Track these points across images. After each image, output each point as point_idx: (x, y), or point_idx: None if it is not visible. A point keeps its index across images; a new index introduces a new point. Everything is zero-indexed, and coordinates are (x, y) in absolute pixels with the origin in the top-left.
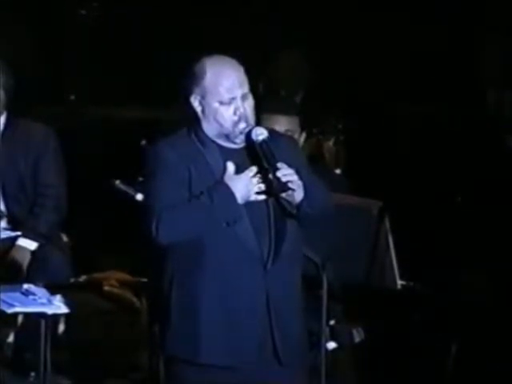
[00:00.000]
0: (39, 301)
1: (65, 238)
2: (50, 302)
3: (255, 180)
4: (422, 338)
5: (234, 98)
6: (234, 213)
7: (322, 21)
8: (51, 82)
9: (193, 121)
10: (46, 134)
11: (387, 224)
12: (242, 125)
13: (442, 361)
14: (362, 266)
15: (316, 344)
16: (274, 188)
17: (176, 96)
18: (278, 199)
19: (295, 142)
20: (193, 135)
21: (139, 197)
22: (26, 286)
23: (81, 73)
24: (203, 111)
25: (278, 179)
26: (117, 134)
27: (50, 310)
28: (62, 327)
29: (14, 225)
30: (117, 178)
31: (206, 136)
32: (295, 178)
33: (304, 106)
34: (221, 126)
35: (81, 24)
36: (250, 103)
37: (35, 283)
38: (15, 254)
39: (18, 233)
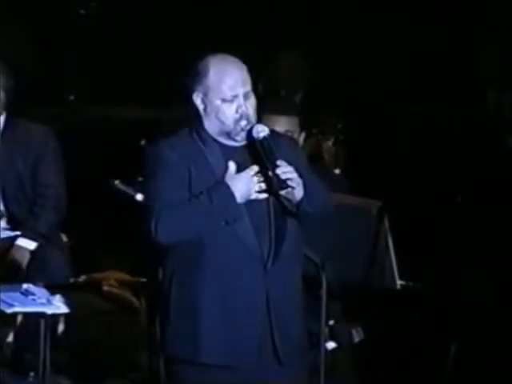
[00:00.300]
0: (38, 301)
1: (64, 238)
2: (49, 301)
3: (256, 179)
4: (422, 338)
5: (236, 96)
6: (234, 212)
7: (322, 21)
8: (51, 82)
9: (195, 119)
10: (46, 135)
11: (387, 224)
12: (243, 122)
13: (441, 361)
14: (362, 266)
15: (315, 344)
16: (273, 185)
17: (176, 96)
18: (277, 197)
19: (296, 142)
20: (194, 134)
21: (139, 197)
22: (25, 285)
23: (81, 73)
24: (205, 109)
25: (278, 176)
26: (117, 134)
27: (49, 310)
28: (61, 327)
29: (13, 225)
30: (117, 178)
31: (208, 134)
32: (295, 175)
33: (304, 106)
34: (222, 123)
35: (81, 24)
36: (252, 102)
37: (35, 283)
38: (15, 253)
39: (18, 232)
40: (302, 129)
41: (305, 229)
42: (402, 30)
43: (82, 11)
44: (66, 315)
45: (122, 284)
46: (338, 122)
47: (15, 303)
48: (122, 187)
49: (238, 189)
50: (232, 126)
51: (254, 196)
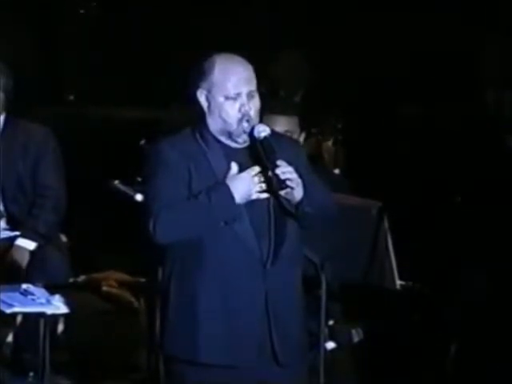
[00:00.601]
0: (38, 301)
1: (64, 238)
2: (48, 302)
3: (257, 179)
4: (422, 338)
5: (239, 94)
6: (232, 212)
7: (322, 21)
8: (51, 82)
9: (198, 118)
10: (46, 135)
11: (386, 224)
12: (245, 124)
13: (441, 361)
14: (361, 266)
15: (315, 344)
16: (272, 185)
17: (176, 96)
18: (276, 197)
19: (298, 143)
20: (197, 134)
21: (138, 197)
22: (24, 285)
23: (81, 73)
24: (209, 107)
25: (277, 176)
26: (117, 134)
27: (48, 310)
28: (61, 327)
29: (13, 225)
30: (117, 178)
31: (210, 134)
32: (294, 175)
33: (304, 106)
34: (225, 122)
35: (81, 24)
36: (255, 103)
37: (34, 283)
38: (14, 253)
39: (17, 233)
40: (301, 129)
41: (307, 230)
42: (402, 30)
43: (82, 11)
44: (65, 315)
45: (122, 284)
46: (337, 122)
47: (15, 303)
48: (121, 187)
49: (238, 189)
50: (235, 126)
51: (254, 196)
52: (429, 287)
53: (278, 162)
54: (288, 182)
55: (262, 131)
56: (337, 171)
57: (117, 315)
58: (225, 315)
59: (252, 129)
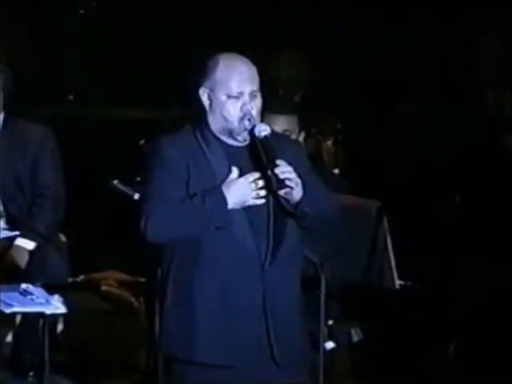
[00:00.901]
0: (37, 301)
1: (63, 238)
2: (48, 301)
3: (254, 185)
4: (421, 338)
5: (241, 93)
6: (223, 218)
7: (322, 21)
8: (51, 82)
9: (199, 117)
10: (45, 135)
11: (386, 224)
12: (246, 122)
13: (440, 360)
14: (361, 266)
15: (314, 344)
16: (271, 185)
17: (176, 96)
18: (276, 197)
19: (299, 144)
20: (197, 133)
21: (138, 197)
22: (24, 285)
23: (81, 73)
24: (210, 105)
25: (276, 176)
26: (117, 134)
27: (48, 310)
28: (60, 327)
29: (12, 225)
30: (116, 178)
31: (211, 133)
32: (293, 175)
33: (303, 106)
34: (226, 120)
35: (81, 24)
36: (257, 103)
37: (33, 283)
38: (13, 253)
39: (17, 232)
40: (301, 129)
41: (309, 232)
42: (402, 30)
43: (82, 11)
44: (65, 315)
45: (121, 284)
46: (337, 122)
47: (14, 303)
48: (121, 187)
49: (233, 195)
50: (236, 125)
51: (250, 202)
52: (428, 287)
53: (278, 162)
54: (287, 182)
55: (263, 130)
56: (336, 171)
57: (116, 315)
58: (223, 315)
59: (253, 127)
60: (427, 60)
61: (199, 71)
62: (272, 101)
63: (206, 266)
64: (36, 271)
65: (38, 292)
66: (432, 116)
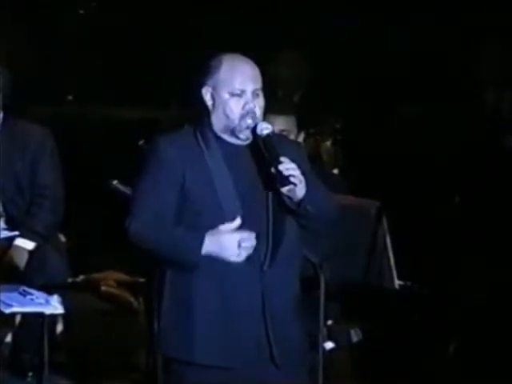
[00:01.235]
0: (37, 301)
1: (62, 238)
2: (47, 302)
3: (237, 248)
4: (421, 338)
5: (244, 91)
6: (190, 261)
7: (322, 21)
8: (51, 82)
9: (200, 117)
10: (44, 135)
11: (385, 224)
12: (249, 120)
13: (440, 360)
14: (360, 266)
15: (314, 344)
16: (276, 182)
17: (176, 96)
18: (279, 194)
19: (300, 145)
20: (198, 133)
21: None
22: (20, 288)
23: (81, 73)
24: (213, 104)
25: (280, 173)
26: (117, 134)
27: (47, 310)
28: (60, 327)
29: (11, 225)
30: (116, 178)
31: (212, 132)
32: (297, 172)
33: (303, 106)
34: (228, 118)
35: (81, 24)
36: (259, 103)
37: (33, 283)
38: (13, 253)
39: (16, 233)
40: (300, 129)
41: (308, 231)
42: (402, 30)
43: (82, 11)
44: (64, 315)
45: (121, 284)
46: (336, 122)
47: (13, 303)
48: (120, 187)
49: (214, 246)
50: (237, 122)
51: (227, 258)
52: (428, 287)
53: (282, 159)
54: (291, 179)
55: (265, 128)
56: (335, 171)
57: (116, 315)
58: (222, 316)
59: (255, 126)
60: (427, 60)
61: (202, 71)
62: (270, 101)
63: (205, 266)
64: (35, 271)
65: (37, 292)
66: (432, 116)
